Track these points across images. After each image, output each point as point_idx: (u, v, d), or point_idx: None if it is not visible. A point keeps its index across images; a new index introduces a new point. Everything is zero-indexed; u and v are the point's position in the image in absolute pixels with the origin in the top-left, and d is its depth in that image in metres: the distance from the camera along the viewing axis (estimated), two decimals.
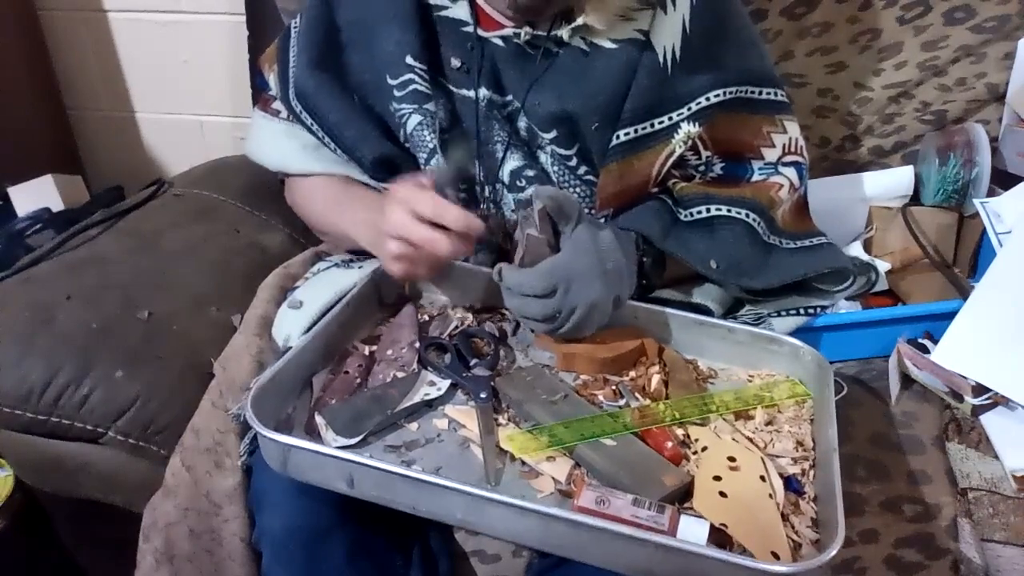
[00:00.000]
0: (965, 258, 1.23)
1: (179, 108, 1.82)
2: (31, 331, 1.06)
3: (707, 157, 1.05)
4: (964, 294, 1.06)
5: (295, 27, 1.09)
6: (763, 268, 1.02)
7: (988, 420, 0.99)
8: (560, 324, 0.88)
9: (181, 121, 1.84)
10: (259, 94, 1.16)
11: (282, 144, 1.10)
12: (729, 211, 1.02)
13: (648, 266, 0.99)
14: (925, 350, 1.03)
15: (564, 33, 0.97)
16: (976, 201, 1.15)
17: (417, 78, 1.00)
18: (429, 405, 0.86)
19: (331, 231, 1.11)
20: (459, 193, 0.95)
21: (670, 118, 1.00)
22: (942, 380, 1.00)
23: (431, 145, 1.00)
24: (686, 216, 1.02)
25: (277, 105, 1.11)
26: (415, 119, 1.00)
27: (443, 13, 1.01)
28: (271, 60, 1.11)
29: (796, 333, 1.01)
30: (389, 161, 1.03)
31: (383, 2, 1.01)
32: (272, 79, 1.10)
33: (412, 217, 0.85)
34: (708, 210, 1.02)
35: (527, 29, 0.97)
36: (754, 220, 1.02)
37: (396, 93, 1.01)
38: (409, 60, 1.00)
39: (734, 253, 1.00)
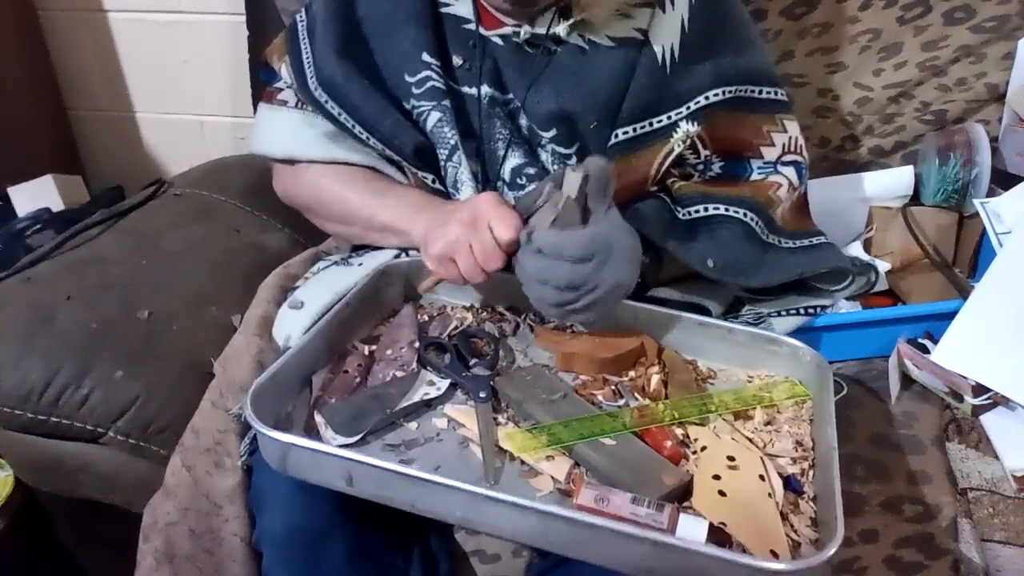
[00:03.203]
0: (965, 258, 1.23)
1: (179, 108, 1.83)
2: (31, 331, 1.06)
3: (706, 156, 1.05)
4: (964, 294, 1.06)
5: (301, 20, 1.08)
6: (761, 267, 1.02)
7: (988, 420, 0.99)
8: (576, 298, 0.84)
9: (181, 121, 1.84)
10: (262, 90, 1.15)
11: (298, 132, 1.08)
12: (727, 210, 1.01)
13: (645, 265, 0.99)
14: (925, 350, 1.03)
15: (561, 30, 0.97)
16: (976, 201, 1.15)
17: (434, 75, 1.00)
18: (428, 404, 0.86)
19: (363, 220, 1.06)
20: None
21: (669, 117, 1.00)
22: (942, 380, 1.00)
23: (452, 142, 1.00)
24: (684, 215, 1.02)
25: (284, 95, 1.10)
26: (434, 116, 1.00)
27: (446, 10, 1.01)
28: (280, 51, 1.10)
29: (796, 333, 1.01)
30: (426, 151, 1.02)
31: None
32: (284, 70, 1.09)
33: (489, 231, 0.86)
34: (706, 209, 1.02)
35: (526, 28, 0.97)
36: (752, 219, 1.02)
37: (415, 90, 1.01)
38: (426, 57, 1.00)
39: (731, 252, 1.00)
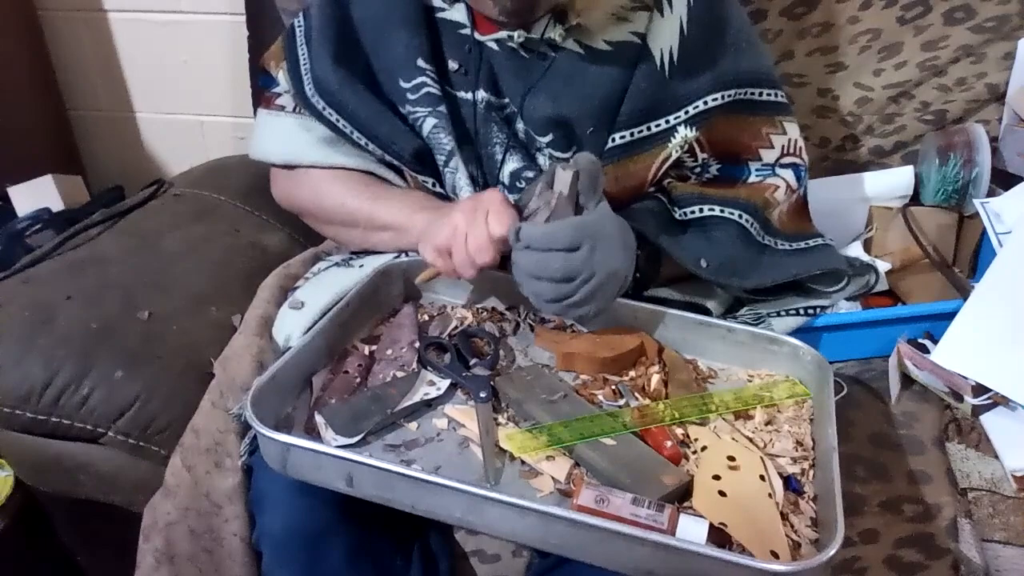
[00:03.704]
0: (965, 258, 1.23)
1: (179, 108, 1.82)
2: (31, 331, 1.06)
3: (703, 159, 1.05)
4: (964, 294, 1.06)
5: (299, 25, 1.08)
6: (755, 268, 1.02)
7: (988, 420, 0.99)
8: (574, 289, 0.84)
9: (181, 121, 1.84)
10: (261, 94, 1.15)
11: (295, 137, 1.08)
12: (722, 211, 1.02)
13: (641, 261, 0.99)
14: (925, 350, 1.03)
15: (556, 35, 0.97)
16: (976, 201, 1.15)
17: (429, 81, 1.00)
18: (429, 405, 0.86)
19: (364, 222, 1.06)
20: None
21: (667, 121, 0.99)
22: (942, 380, 1.00)
23: (449, 147, 1.00)
24: (680, 215, 1.02)
25: (282, 100, 1.10)
26: (430, 122, 1.00)
27: (442, 15, 1.01)
28: (277, 57, 1.10)
29: (796, 333, 1.01)
30: (425, 155, 1.02)
31: (390, 3, 1.01)
32: (282, 76, 1.09)
33: (485, 224, 0.86)
34: (702, 210, 1.02)
35: (520, 32, 0.97)
36: (747, 221, 1.02)
37: (409, 96, 1.01)
38: (420, 63, 1.00)
39: (725, 253, 1.00)
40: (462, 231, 0.87)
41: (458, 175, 1.00)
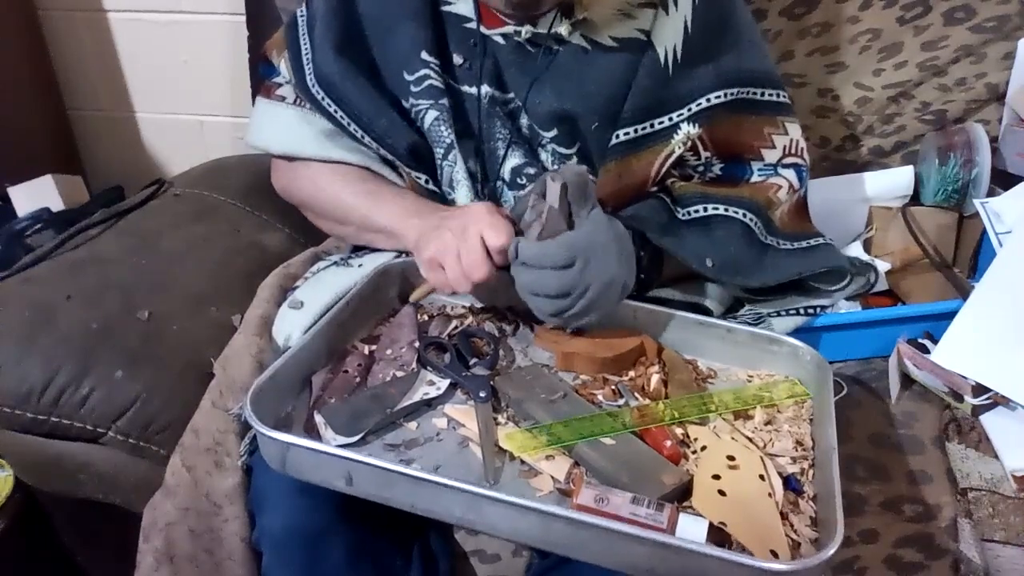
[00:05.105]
0: (965, 258, 1.23)
1: (179, 108, 1.82)
2: (31, 331, 1.06)
3: (706, 158, 1.05)
4: (964, 294, 1.06)
5: (301, 14, 1.08)
6: (759, 267, 1.02)
7: (988, 420, 0.99)
8: (571, 303, 0.85)
9: (181, 121, 1.84)
10: (260, 84, 1.15)
11: (295, 129, 1.08)
12: (726, 210, 1.02)
13: (645, 262, 0.99)
14: (925, 350, 1.03)
15: (563, 29, 0.97)
16: (976, 201, 1.15)
17: (432, 74, 1.00)
18: (428, 404, 0.86)
19: (358, 221, 1.06)
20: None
21: (670, 119, 0.99)
22: (942, 380, 1.00)
23: (448, 140, 1.00)
24: (684, 215, 1.02)
25: (283, 91, 1.10)
26: (432, 114, 1.00)
27: (447, 8, 1.01)
28: (279, 46, 1.10)
29: (796, 333, 1.01)
30: (421, 151, 1.02)
31: None
32: (283, 65, 1.09)
33: (478, 240, 0.86)
34: (705, 209, 1.02)
35: (527, 27, 0.97)
36: (751, 220, 1.02)
37: (413, 89, 1.01)
38: (424, 56, 1.00)
39: (730, 252, 1.00)
40: (453, 248, 0.87)
41: (456, 169, 1.00)
